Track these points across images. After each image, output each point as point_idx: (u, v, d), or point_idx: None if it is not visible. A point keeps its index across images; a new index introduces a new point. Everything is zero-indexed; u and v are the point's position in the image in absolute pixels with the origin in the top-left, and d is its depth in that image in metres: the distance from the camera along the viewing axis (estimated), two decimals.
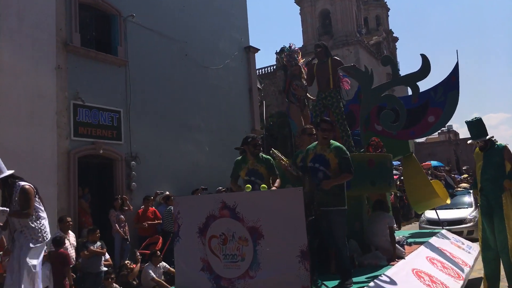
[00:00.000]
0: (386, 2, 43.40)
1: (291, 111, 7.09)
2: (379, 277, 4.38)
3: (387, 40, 40.01)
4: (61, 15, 9.37)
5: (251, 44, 15.22)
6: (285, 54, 7.06)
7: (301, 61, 7.03)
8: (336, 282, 4.17)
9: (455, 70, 7.01)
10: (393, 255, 5.30)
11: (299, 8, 37.91)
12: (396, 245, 5.45)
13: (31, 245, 4.29)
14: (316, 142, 4.60)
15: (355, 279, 4.25)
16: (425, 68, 6.22)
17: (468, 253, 6.97)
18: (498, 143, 5.78)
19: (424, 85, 7.44)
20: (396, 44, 43.55)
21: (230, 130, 13.13)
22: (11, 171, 4.48)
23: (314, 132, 4.88)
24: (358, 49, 33.12)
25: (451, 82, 7.01)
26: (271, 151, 4.73)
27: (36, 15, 8.87)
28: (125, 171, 10.17)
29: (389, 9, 43.79)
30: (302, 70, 6.91)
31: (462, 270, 5.85)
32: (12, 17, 8.50)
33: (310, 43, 35.48)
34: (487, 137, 5.65)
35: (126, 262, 7.33)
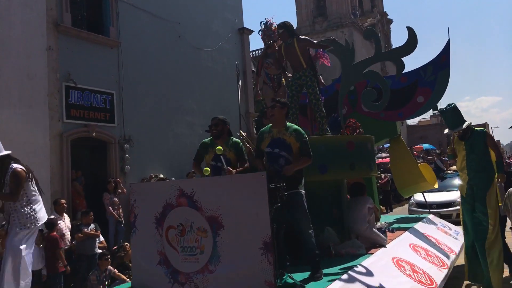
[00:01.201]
0: None
1: (263, 91, 6.69)
2: (354, 268, 4.04)
3: (381, 22, 39.77)
4: None
5: (245, 25, 15.06)
6: (261, 30, 6.63)
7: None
8: (307, 274, 3.84)
9: (446, 48, 6.66)
10: (372, 242, 4.96)
11: None
12: (377, 231, 5.12)
13: (17, 229, 4.24)
14: (270, 124, 4.27)
15: (329, 270, 3.95)
16: (411, 43, 5.77)
17: (455, 239, 6.69)
18: (476, 128, 5.48)
19: (414, 66, 7.27)
20: (390, 26, 43.33)
21: (224, 113, 12.82)
22: (7, 152, 4.43)
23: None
24: (352, 31, 32.91)
25: (442, 61, 6.67)
26: (238, 133, 4.48)
27: None
28: (118, 154, 10.13)
29: None
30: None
31: (448, 257, 5.57)
32: None
33: (305, 24, 35.18)
34: (465, 125, 5.32)
35: (125, 244, 7.37)
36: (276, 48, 6.20)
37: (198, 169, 4.65)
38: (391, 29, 43.55)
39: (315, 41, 5.99)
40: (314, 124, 6.22)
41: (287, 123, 4.20)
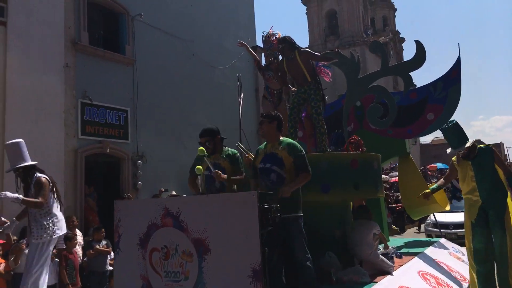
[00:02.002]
0: (393, 2, 43.23)
1: (263, 106, 6.35)
2: None
3: (393, 41, 39.84)
4: (70, 13, 9.40)
5: (257, 43, 15.21)
6: (262, 40, 6.20)
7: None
8: None
9: (457, 64, 6.40)
10: (377, 269, 4.61)
11: (305, 8, 37.85)
12: (383, 257, 4.77)
13: (33, 240, 4.29)
14: (266, 142, 4.07)
15: None
16: (420, 57, 5.56)
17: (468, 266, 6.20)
18: (480, 146, 5.07)
19: (424, 82, 7.17)
20: (402, 45, 43.36)
21: (236, 130, 13.12)
22: (34, 162, 4.49)
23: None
24: (365, 49, 32.97)
25: (452, 77, 6.40)
26: (236, 144, 4.32)
27: (45, 13, 8.90)
28: (131, 170, 10.20)
29: (396, 10, 43.63)
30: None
31: (461, 286, 5.20)
32: (21, 14, 8.53)
33: (317, 43, 35.42)
34: (469, 143, 4.92)
35: None
36: (277, 65, 5.92)
37: (193, 185, 4.47)
38: (403, 47, 43.57)
39: (318, 53, 5.75)
40: (313, 140, 5.93)
41: (281, 138, 3.97)
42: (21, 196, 4.29)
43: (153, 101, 10.92)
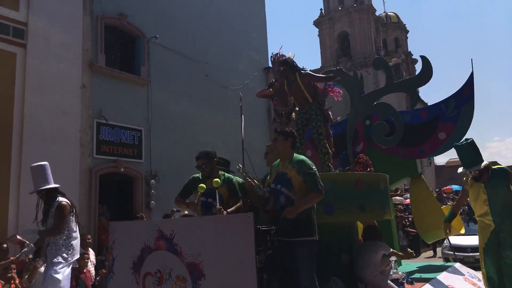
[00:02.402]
0: (405, 24, 43.48)
1: (272, 129, 6.48)
2: None
3: (406, 62, 39.88)
4: (87, 36, 9.67)
5: (270, 65, 15.37)
6: (271, 61, 6.17)
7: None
8: None
9: (470, 80, 6.14)
10: None
11: (317, 29, 38.28)
12: (392, 284, 4.55)
13: (54, 260, 4.29)
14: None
15: None
16: (426, 72, 5.35)
17: None
18: (494, 167, 4.82)
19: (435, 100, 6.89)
20: (415, 66, 43.37)
21: (248, 150, 13.15)
22: (56, 185, 4.56)
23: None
24: (377, 70, 33.10)
25: (465, 94, 6.14)
26: (237, 167, 4.20)
27: (63, 36, 9.17)
28: (144, 189, 10.26)
29: (408, 31, 43.83)
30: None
31: None
32: (40, 37, 8.80)
33: (329, 64, 35.64)
34: (483, 165, 4.66)
35: None
36: (278, 86, 5.85)
37: (182, 204, 4.31)
38: (416, 68, 43.57)
39: (319, 74, 5.68)
40: (318, 160, 5.74)
41: (294, 155, 3.73)
42: (37, 229, 4.41)
43: (166, 121, 11.06)
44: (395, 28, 42.76)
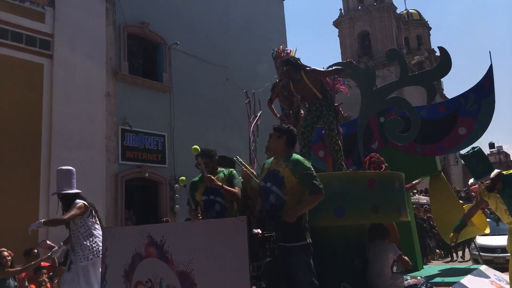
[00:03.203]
0: (427, 21, 42.73)
1: None
2: None
3: (429, 60, 39.17)
4: (111, 45, 9.91)
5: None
6: (272, 57, 5.86)
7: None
8: None
9: (489, 73, 5.84)
10: None
11: (337, 30, 38.04)
12: None
13: (79, 263, 4.36)
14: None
15: None
16: (444, 64, 4.98)
17: None
18: (505, 172, 4.50)
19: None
20: None
21: (263, 151, 13.21)
22: (78, 191, 4.65)
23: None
24: (399, 69, 32.59)
25: (485, 87, 5.86)
26: (234, 158, 3.99)
27: (88, 46, 9.43)
28: (169, 194, 10.41)
29: (431, 28, 43.04)
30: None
31: None
32: (66, 48, 9.08)
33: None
34: (494, 173, 4.38)
35: None
36: (281, 87, 5.54)
37: (192, 213, 4.11)
38: None
39: (325, 69, 5.29)
40: (329, 159, 5.50)
41: (290, 154, 3.51)
42: (41, 220, 4.45)
43: (189, 126, 11.19)
44: (417, 26, 42.05)
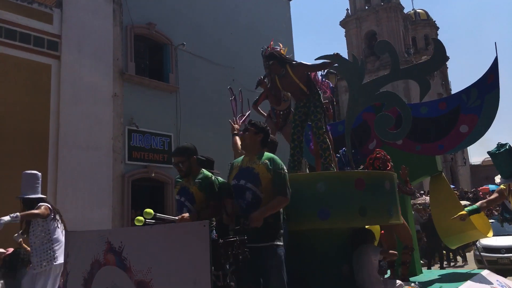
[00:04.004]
0: (435, 21, 42.48)
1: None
2: None
3: None
4: (117, 46, 9.96)
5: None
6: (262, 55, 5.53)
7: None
8: None
9: (494, 66, 5.47)
10: None
11: (344, 30, 37.93)
12: None
13: (33, 270, 4.29)
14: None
15: None
16: (438, 57, 4.72)
17: None
18: None
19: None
20: (447, 63, 42.27)
21: (277, 154, 13.18)
22: (42, 196, 4.58)
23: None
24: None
25: (489, 81, 5.47)
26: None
27: (95, 47, 9.48)
28: (175, 194, 10.42)
29: (438, 28, 42.79)
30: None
31: None
32: (73, 49, 9.14)
33: None
34: None
35: None
36: (266, 83, 5.21)
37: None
38: (447, 65, 42.47)
39: (312, 63, 5.02)
40: (317, 159, 5.15)
41: (263, 152, 3.34)
42: (18, 214, 4.32)
43: (195, 126, 11.22)
44: (424, 25, 41.84)
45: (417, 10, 42.01)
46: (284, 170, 3.21)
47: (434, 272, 6.49)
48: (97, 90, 9.36)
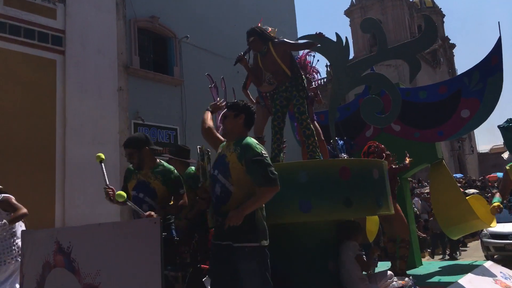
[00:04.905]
0: (441, 8, 41.96)
1: (256, 113, 5.51)
2: None
3: (443, 48, 38.54)
4: (121, 40, 9.95)
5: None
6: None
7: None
8: None
9: (497, 47, 5.13)
10: None
11: (348, 19, 37.60)
12: None
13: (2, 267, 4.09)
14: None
15: None
16: (429, 34, 4.42)
17: None
18: None
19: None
20: (453, 51, 41.84)
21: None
22: None
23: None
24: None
25: (492, 63, 5.13)
26: (198, 147, 3.52)
27: (99, 41, 9.48)
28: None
29: (444, 16, 42.26)
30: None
31: None
32: (77, 44, 9.14)
33: (362, 54, 34.98)
34: None
35: None
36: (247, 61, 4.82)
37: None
38: (454, 53, 42.03)
39: (295, 42, 4.66)
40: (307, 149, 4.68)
41: (243, 137, 2.88)
42: (5, 220, 4.15)
43: (200, 119, 11.20)
44: (430, 13, 41.19)
45: None
46: (263, 154, 2.71)
47: (435, 264, 6.20)
48: (102, 85, 9.38)
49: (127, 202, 2.85)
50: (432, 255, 11.15)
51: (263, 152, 2.74)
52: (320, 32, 4.50)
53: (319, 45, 4.51)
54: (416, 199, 12.18)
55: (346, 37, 4.57)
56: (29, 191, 7.99)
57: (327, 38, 4.53)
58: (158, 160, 3.35)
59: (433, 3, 41.73)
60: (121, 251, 2.39)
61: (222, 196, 2.72)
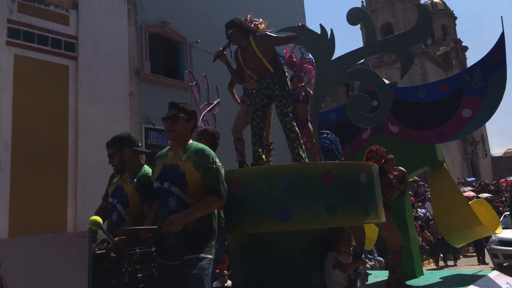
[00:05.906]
0: (453, 11, 41.61)
1: (240, 111, 5.11)
2: None
3: (455, 50, 38.16)
4: (133, 45, 10.07)
5: None
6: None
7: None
8: None
9: (500, 42, 4.82)
10: None
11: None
12: None
13: None
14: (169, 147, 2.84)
15: None
16: (422, 25, 4.12)
17: None
18: None
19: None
20: (466, 53, 41.42)
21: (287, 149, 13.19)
22: None
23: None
24: (424, 60, 31.95)
25: (495, 60, 4.83)
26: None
27: (111, 47, 9.60)
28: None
29: (456, 18, 41.89)
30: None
31: None
32: (89, 49, 9.27)
33: (372, 57, 34.83)
34: None
35: None
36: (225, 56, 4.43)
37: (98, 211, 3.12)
38: (466, 56, 41.60)
39: (278, 35, 4.32)
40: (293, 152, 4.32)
41: (190, 142, 2.72)
42: None
43: (210, 123, 11.25)
44: (442, 15, 41.01)
45: (434, 0, 41.23)
46: (216, 163, 2.61)
47: (436, 274, 5.84)
48: (114, 89, 9.49)
49: (100, 229, 2.52)
50: (437, 263, 11.00)
51: (216, 160, 2.65)
52: (302, 24, 4.29)
53: (302, 38, 4.20)
54: (428, 203, 12.07)
55: (331, 29, 4.23)
56: (42, 195, 8.10)
57: (310, 30, 4.29)
58: (144, 165, 3.02)
59: (445, 5, 41.42)
60: (48, 267, 2.19)
61: (178, 211, 2.49)
